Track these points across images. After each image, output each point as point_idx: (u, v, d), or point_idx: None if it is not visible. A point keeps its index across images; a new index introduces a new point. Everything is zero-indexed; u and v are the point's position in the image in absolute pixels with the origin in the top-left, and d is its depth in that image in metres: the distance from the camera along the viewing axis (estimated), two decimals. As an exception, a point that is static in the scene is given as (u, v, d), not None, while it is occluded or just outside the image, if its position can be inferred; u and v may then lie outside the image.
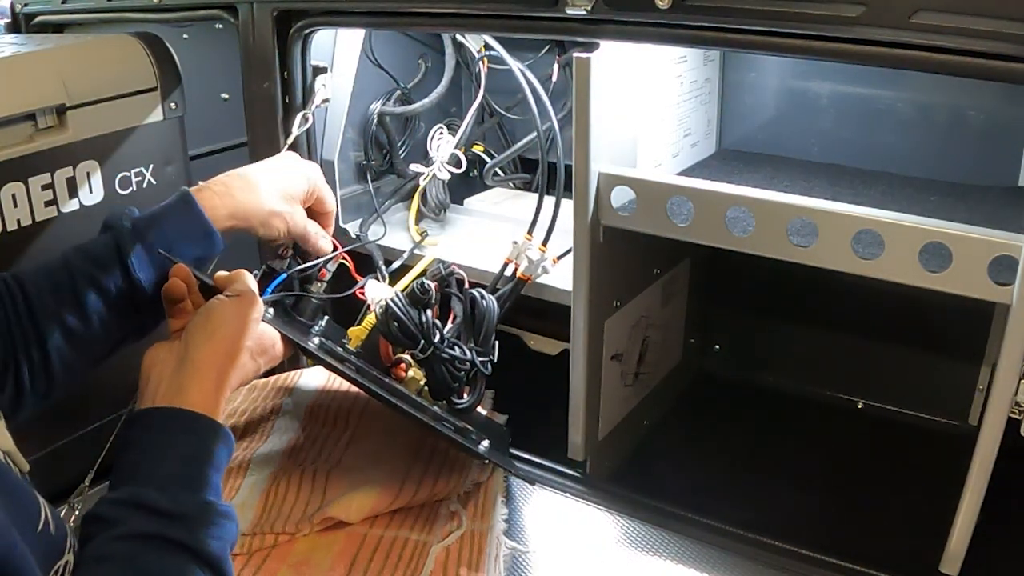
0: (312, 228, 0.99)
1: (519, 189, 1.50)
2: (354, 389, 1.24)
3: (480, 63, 1.30)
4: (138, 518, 0.65)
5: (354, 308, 1.06)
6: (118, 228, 0.85)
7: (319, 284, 1.03)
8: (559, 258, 1.11)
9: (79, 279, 0.82)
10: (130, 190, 1.18)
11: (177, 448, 0.72)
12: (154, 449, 0.71)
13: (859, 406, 1.37)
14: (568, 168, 1.04)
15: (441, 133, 1.37)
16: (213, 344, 0.78)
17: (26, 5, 1.38)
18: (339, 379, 1.24)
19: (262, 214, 0.92)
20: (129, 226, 0.85)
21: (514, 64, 1.18)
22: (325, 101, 1.20)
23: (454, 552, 0.94)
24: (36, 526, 0.60)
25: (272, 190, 0.93)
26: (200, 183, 0.92)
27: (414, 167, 1.36)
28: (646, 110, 1.10)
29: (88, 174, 1.12)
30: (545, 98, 1.16)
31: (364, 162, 1.37)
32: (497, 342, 1.05)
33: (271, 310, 0.91)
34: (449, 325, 1.05)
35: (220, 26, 1.33)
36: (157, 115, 1.20)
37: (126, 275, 0.83)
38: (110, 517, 0.65)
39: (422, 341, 0.97)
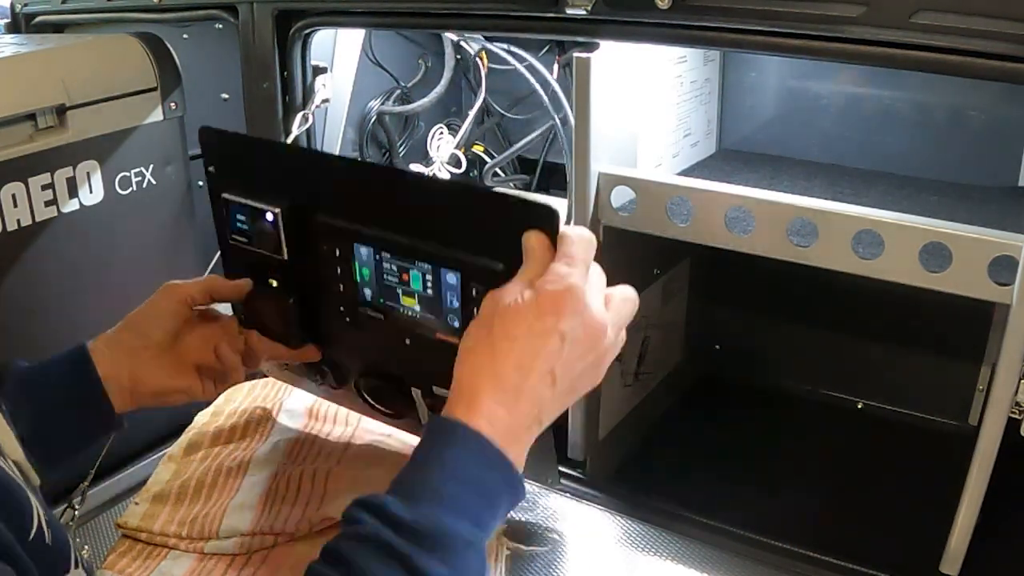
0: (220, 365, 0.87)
1: (519, 189, 1.51)
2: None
3: (479, 63, 1.30)
4: (370, 519, 0.58)
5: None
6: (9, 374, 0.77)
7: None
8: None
9: None
10: (130, 190, 1.18)
11: (455, 468, 0.61)
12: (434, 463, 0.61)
13: (859, 406, 1.37)
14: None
15: (441, 133, 1.38)
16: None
17: (26, 5, 1.38)
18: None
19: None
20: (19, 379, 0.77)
21: (519, 65, 1.18)
22: (325, 101, 1.20)
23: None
24: (27, 533, 0.57)
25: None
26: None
27: (414, 167, 1.36)
28: (646, 110, 1.10)
29: (88, 174, 1.12)
30: (560, 93, 1.15)
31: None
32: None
33: None
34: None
35: (220, 26, 1.33)
36: (157, 115, 1.20)
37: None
38: (349, 516, 0.59)
39: None
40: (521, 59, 1.27)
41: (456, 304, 0.74)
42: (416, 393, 0.87)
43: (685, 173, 1.21)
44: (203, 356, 0.86)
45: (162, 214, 1.23)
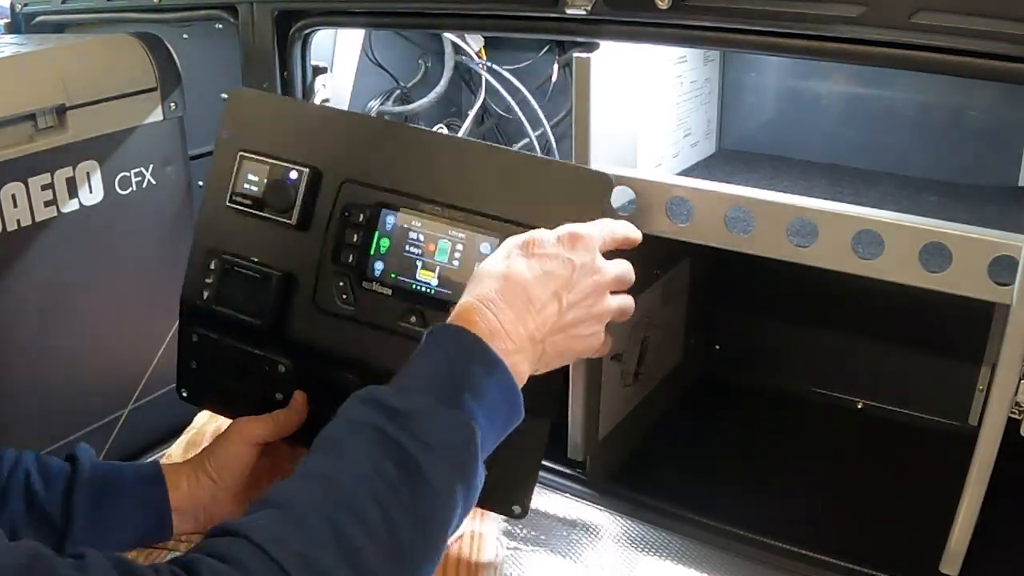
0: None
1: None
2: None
3: (479, 63, 1.30)
4: (359, 407, 0.61)
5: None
6: (78, 468, 0.78)
7: None
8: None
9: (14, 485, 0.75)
10: (130, 190, 1.18)
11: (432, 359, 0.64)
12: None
13: (859, 406, 1.37)
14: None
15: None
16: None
17: (26, 5, 1.38)
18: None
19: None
20: (87, 476, 0.78)
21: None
22: (325, 101, 1.20)
23: (453, 553, 0.94)
24: None
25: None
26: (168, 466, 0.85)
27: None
28: (646, 110, 1.10)
29: (88, 174, 1.12)
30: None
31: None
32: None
33: None
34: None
35: (220, 26, 1.33)
36: (157, 115, 1.20)
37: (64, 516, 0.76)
38: (344, 406, 0.62)
39: None
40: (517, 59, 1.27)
41: None
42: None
43: (685, 173, 1.21)
44: (270, 482, 0.85)
45: (162, 214, 1.23)
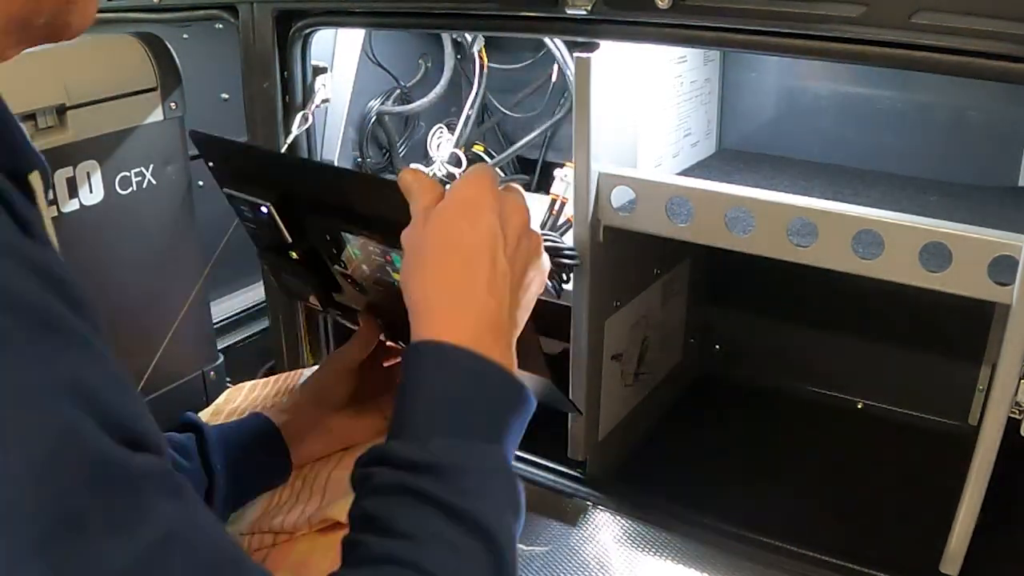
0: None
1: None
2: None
3: (479, 64, 1.30)
4: (382, 469, 0.54)
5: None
6: (202, 431, 0.83)
7: None
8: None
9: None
10: (130, 190, 1.18)
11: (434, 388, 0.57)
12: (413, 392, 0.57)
13: (859, 406, 1.37)
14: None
15: (441, 133, 1.37)
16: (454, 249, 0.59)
17: (26, 5, 1.38)
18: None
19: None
20: (215, 435, 0.83)
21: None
22: (325, 101, 1.20)
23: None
24: None
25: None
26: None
27: (414, 167, 1.36)
28: (646, 110, 1.10)
29: (88, 174, 1.12)
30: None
31: (362, 161, 1.37)
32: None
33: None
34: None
35: (220, 26, 1.33)
36: (157, 115, 1.20)
37: (208, 471, 0.80)
38: (360, 475, 0.55)
39: None
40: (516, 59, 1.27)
41: None
42: None
43: (685, 173, 1.21)
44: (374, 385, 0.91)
45: (162, 214, 1.23)
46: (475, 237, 0.59)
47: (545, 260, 0.65)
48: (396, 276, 0.81)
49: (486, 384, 0.57)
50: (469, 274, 0.58)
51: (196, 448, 0.81)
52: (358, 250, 0.83)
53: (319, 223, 0.85)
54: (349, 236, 0.82)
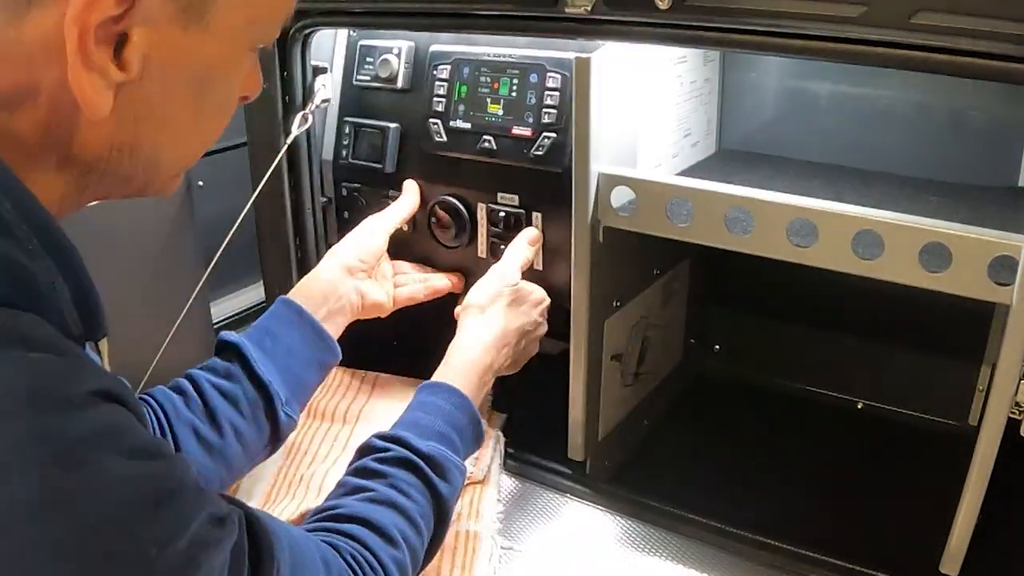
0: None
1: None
2: (354, 389, 1.24)
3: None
4: (397, 447, 0.84)
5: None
6: (237, 344, 0.92)
7: None
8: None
9: (210, 395, 0.89)
10: (130, 190, 1.18)
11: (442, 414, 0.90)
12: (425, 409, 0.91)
13: (859, 406, 1.37)
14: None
15: (441, 133, 1.38)
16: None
17: (26, 5, 1.38)
18: (339, 378, 1.24)
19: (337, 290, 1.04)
20: (247, 341, 0.93)
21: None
22: (325, 101, 1.20)
23: (448, 552, 0.94)
24: None
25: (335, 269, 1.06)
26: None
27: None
28: (646, 110, 1.10)
29: (88, 174, 1.12)
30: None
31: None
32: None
33: None
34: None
35: (220, 26, 1.32)
36: (157, 115, 1.19)
37: (258, 385, 0.91)
38: (373, 445, 0.85)
39: None
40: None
41: (533, 101, 1.06)
42: (481, 209, 1.14)
43: (685, 173, 1.21)
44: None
45: (162, 214, 1.23)
46: (502, 340, 1.03)
47: (540, 332, 1.10)
48: (493, 107, 1.08)
49: (467, 418, 0.92)
50: (489, 358, 1.00)
51: (241, 370, 0.91)
52: (466, 86, 1.10)
53: (448, 56, 1.12)
54: (465, 69, 1.10)
